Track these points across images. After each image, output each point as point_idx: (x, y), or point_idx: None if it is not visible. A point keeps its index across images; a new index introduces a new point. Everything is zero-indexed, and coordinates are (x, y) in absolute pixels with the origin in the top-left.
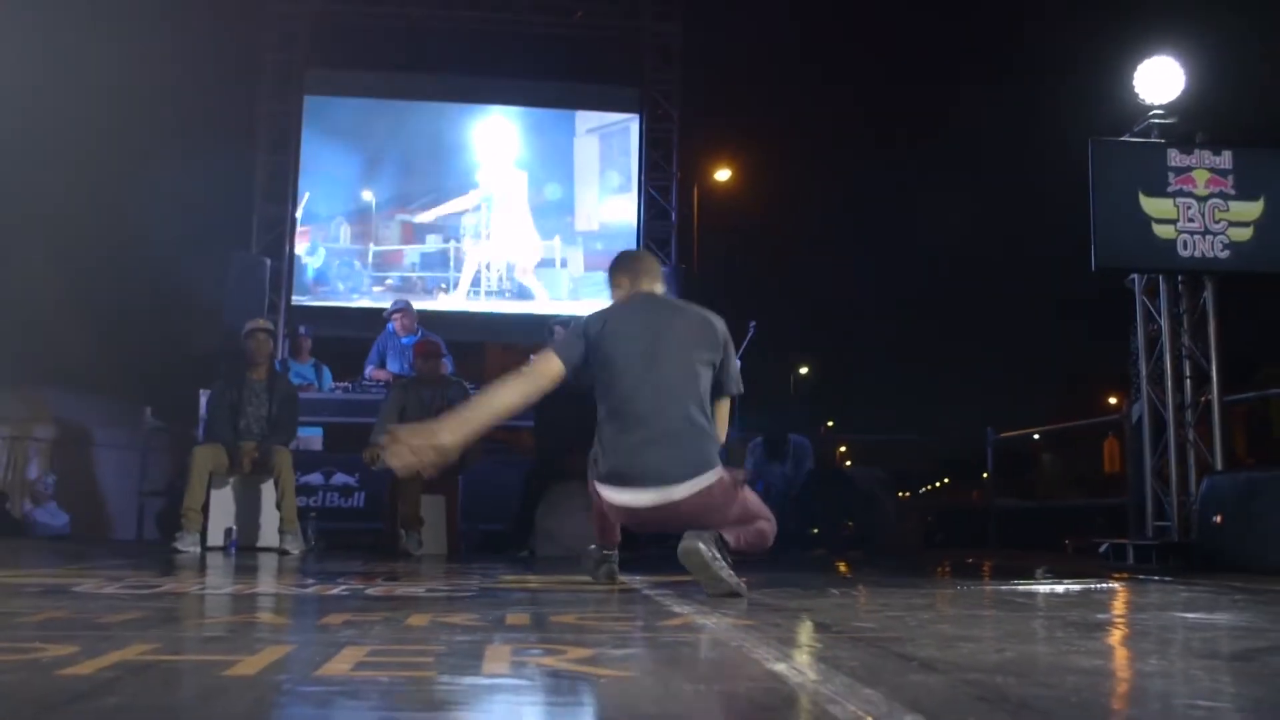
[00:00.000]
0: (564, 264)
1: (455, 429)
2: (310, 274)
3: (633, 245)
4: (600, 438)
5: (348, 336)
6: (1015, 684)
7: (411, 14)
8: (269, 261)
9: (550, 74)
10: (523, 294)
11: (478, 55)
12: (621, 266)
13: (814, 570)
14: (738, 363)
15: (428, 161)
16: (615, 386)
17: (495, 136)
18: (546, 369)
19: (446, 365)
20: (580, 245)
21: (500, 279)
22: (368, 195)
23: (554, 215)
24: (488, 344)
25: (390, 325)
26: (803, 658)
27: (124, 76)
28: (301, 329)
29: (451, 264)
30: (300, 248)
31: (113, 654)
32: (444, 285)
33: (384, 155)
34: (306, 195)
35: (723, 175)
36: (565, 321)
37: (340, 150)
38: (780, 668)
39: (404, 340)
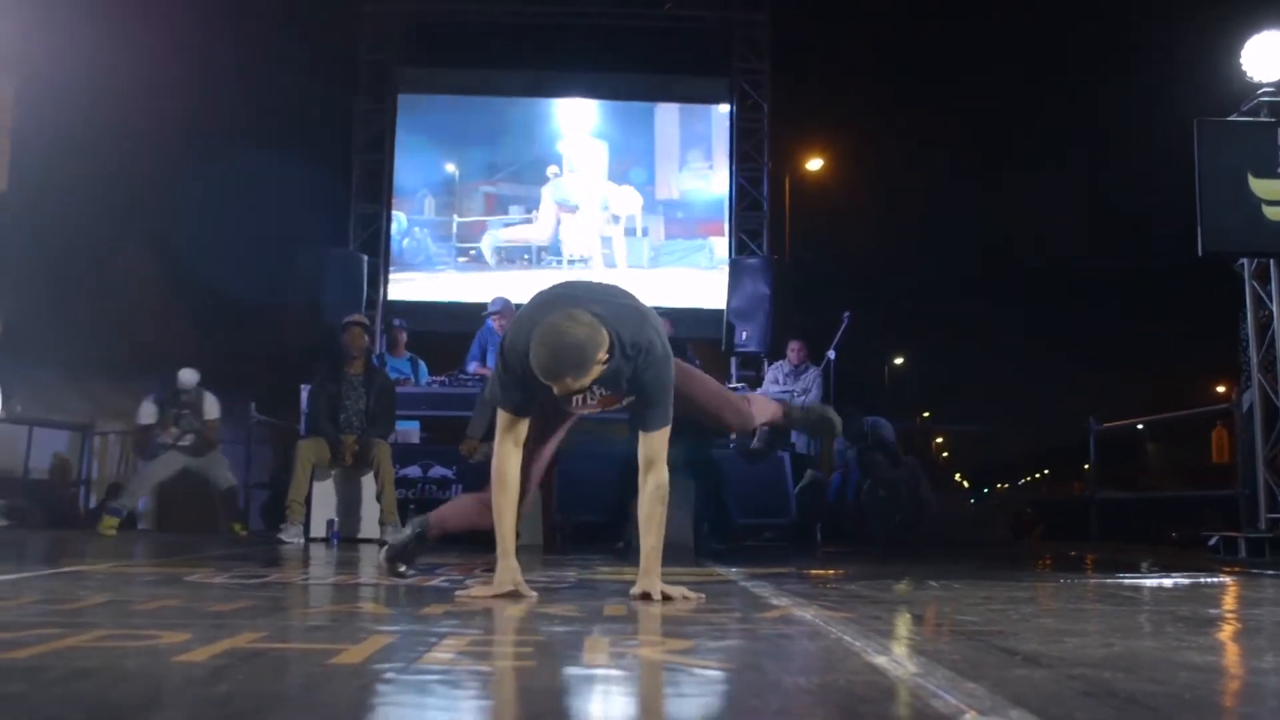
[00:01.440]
0: (645, 232)
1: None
2: (404, 244)
3: (720, 216)
4: None
5: (443, 331)
6: (1123, 679)
7: (499, 10)
8: (366, 258)
9: (639, 67)
10: (606, 261)
11: (565, 50)
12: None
13: (909, 562)
14: None
15: (510, 134)
16: None
17: (576, 107)
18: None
19: None
20: (661, 214)
21: (582, 248)
22: (451, 167)
23: (634, 184)
24: None
25: (489, 323)
26: (903, 651)
27: (227, 79)
28: (397, 321)
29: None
30: (395, 227)
31: (224, 641)
32: (527, 257)
33: (468, 132)
34: (397, 168)
35: (815, 165)
36: (664, 314)
37: (426, 129)
38: (880, 660)
39: None
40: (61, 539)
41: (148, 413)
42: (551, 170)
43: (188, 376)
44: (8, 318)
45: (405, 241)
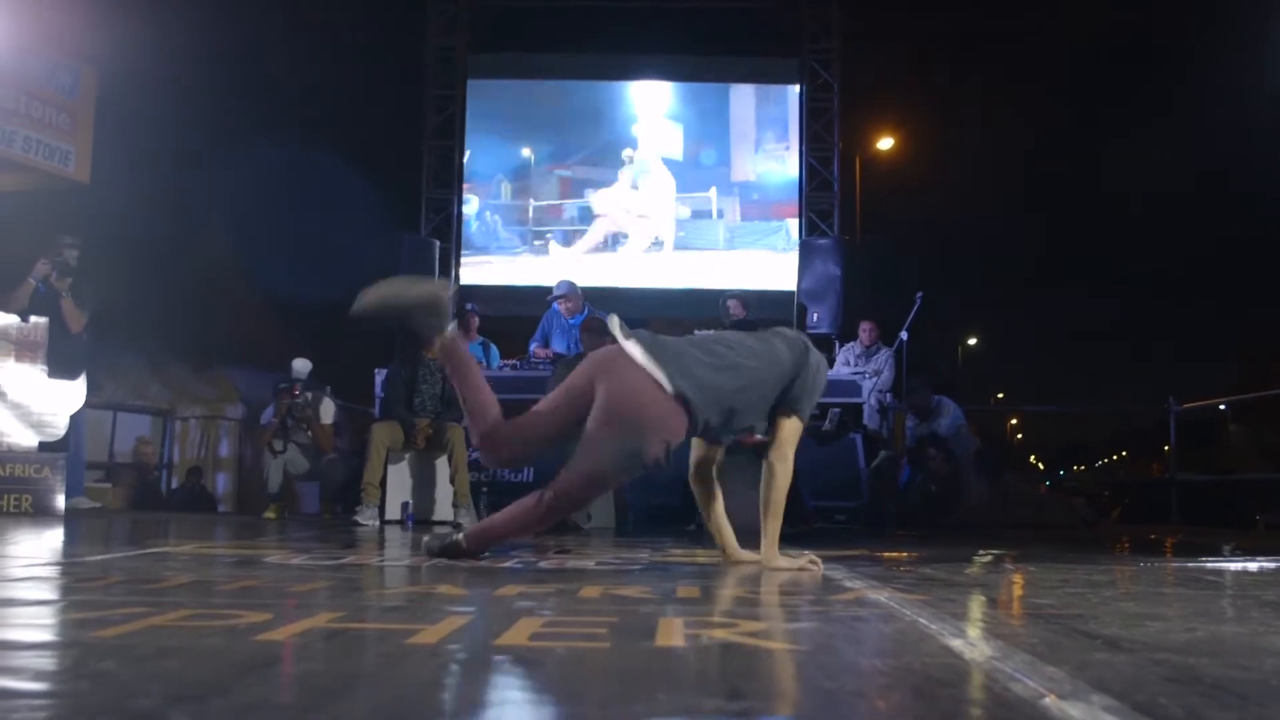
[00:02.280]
0: (720, 214)
1: None
2: (473, 228)
3: (792, 196)
4: None
5: (515, 315)
6: (1208, 664)
7: None
8: (438, 243)
9: (708, 48)
10: (680, 244)
11: (635, 32)
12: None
13: (984, 544)
14: None
15: (583, 118)
16: None
17: (650, 89)
18: None
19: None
20: (737, 196)
21: (657, 232)
22: (526, 152)
23: (710, 166)
24: (652, 320)
25: (555, 306)
26: (980, 634)
27: (300, 68)
28: (470, 306)
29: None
30: (468, 209)
31: (303, 621)
32: (604, 239)
33: (541, 116)
34: (468, 153)
35: (885, 144)
36: (740, 295)
37: (499, 114)
38: (957, 644)
39: (570, 321)
40: (145, 521)
41: (268, 416)
42: (627, 153)
43: (300, 365)
44: (94, 306)
45: (475, 225)
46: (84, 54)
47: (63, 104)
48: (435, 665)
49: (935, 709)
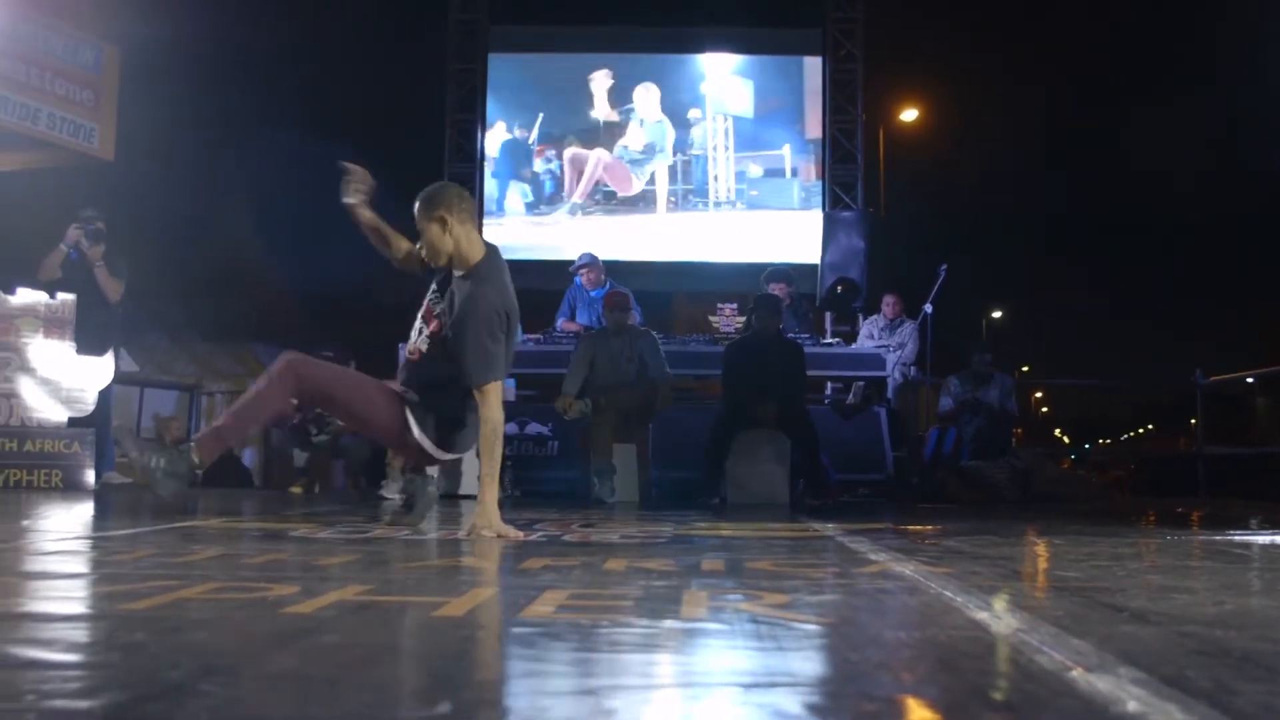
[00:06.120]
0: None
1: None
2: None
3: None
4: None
5: (535, 289)
6: (1237, 637)
7: None
8: None
9: (729, 19)
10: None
11: (653, 3)
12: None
13: (1010, 518)
14: None
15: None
16: None
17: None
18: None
19: (635, 316)
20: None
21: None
22: (559, 116)
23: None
24: (676, 294)
25: (578, 279)
26: (1005, 606)
27: (320, 46)
28: None
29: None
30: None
31: (331, 594)
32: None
33: (569, 83)
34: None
35: (909, 115)
36: (784, 271)
37: (529, 77)
38: (982, 616)
39: (593, 294)
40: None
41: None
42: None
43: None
44: (128, 277)
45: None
46: (107, 32)
47: (86, 80)
48: (462, 637)
49: (961, 681)
